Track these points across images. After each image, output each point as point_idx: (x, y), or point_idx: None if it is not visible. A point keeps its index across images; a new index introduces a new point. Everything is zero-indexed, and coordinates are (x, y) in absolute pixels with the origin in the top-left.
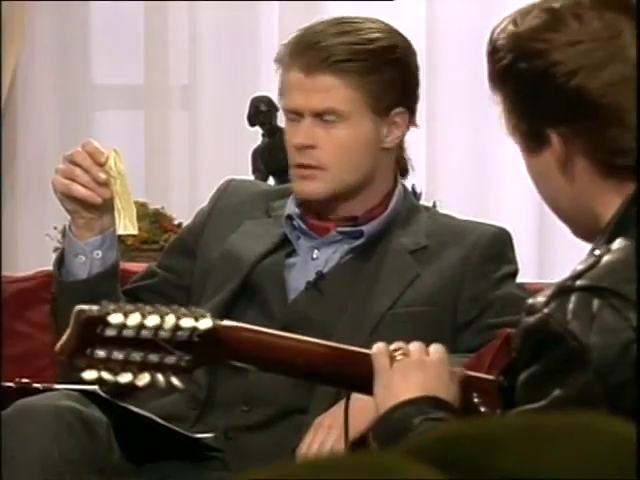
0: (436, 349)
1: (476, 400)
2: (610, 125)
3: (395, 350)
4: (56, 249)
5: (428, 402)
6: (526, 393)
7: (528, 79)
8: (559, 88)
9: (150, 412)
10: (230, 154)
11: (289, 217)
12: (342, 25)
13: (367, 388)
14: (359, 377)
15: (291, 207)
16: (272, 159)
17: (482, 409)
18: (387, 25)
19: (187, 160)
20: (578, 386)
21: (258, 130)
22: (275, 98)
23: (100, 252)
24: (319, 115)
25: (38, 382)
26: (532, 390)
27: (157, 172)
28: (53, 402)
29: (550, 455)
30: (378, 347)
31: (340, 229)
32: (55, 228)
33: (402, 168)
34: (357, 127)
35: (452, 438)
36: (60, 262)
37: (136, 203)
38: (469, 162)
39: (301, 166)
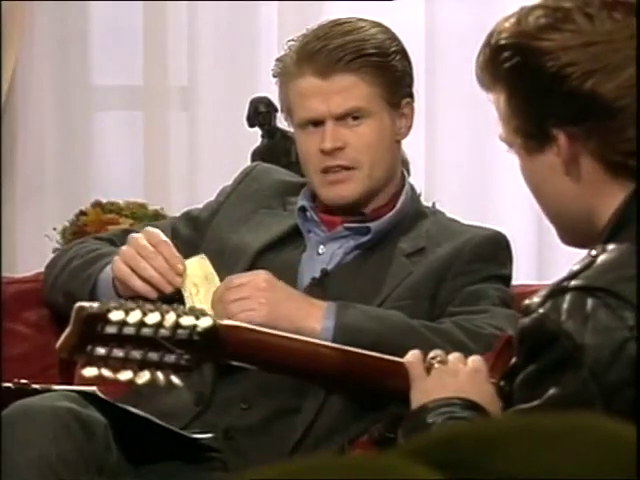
0: (474, 359)
1: None
2: (626, 127)
3: (433, 358)
4: (55, 250)
5: (458, 402)
6: (522, 393)
7: (539, 79)
8: (572, 89)
9: (153, 407)
10: (230, 155)
11: (302, 209)
12: (341, 26)
13: (371, 389)
14: (363, 378)
15: (303, 200)
16: (272, 160)
17: None
18: (374, 20)
19: (186, 161)
20: (573, 385)
21: (257, 131)
22: (275, 99)
23: None
24: (341, 118)
25: (36, 383)
26: (528, 390)
27: (156, 173)
28: (51, 403)
29: (549, 455)
30: (413, 354)
31: (347, 225)
32: (54, 229)
33: (404, 163)
34: (379, 122)
35: (450, 439)
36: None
37: (135, 204)
38: (469, 162)
39: (330, 170)
